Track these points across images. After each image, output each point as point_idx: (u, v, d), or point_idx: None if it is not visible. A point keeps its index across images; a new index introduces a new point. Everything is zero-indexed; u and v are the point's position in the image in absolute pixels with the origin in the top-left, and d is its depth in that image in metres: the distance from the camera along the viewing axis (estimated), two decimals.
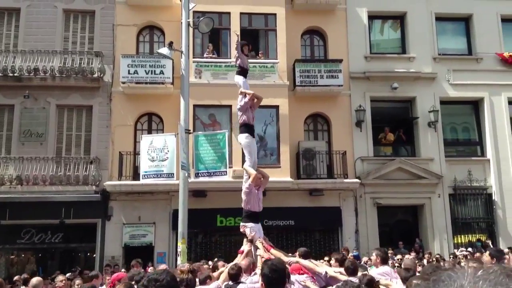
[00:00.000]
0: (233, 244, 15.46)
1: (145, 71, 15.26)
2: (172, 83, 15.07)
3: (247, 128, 8.44)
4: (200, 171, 11.66)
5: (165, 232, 15.06)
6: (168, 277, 2.61)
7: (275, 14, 15.90)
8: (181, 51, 11.45)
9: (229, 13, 15.69)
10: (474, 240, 16.02)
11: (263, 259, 6.77)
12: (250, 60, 15.47)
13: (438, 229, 15.86)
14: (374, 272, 6.35)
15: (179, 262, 10.01)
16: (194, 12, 13.74)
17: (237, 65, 9.08)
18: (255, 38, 16.29)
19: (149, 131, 15.67)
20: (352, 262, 6.19)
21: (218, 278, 6.36)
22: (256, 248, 7.42)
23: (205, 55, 15.52)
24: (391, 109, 17.82)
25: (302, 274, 5.94)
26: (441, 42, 17.57)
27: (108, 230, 15.09)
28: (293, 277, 5.64)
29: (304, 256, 7.03)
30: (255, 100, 8.56)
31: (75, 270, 12.11)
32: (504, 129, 16.84)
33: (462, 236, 16.24)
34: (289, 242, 15.37)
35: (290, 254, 7.42)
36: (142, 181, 12.03)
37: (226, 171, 11.53)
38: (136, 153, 14.79)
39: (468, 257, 11.82)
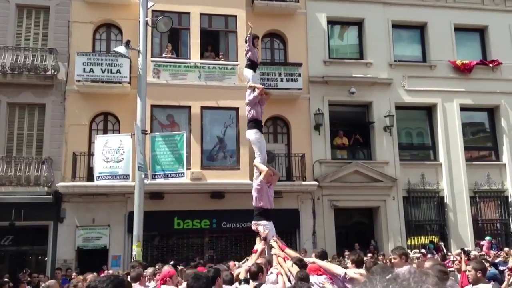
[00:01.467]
0: (190, 247, 15.32)
1: (101, 69, 14.87)
2: (129, 83, 14.76)
3: (255, 123, 8.23)
4: (157, 173, 11.47)
5: (120, 235, 14.70)
6: (110, 285, 2.47)
7: (235, 16, 15.88)
8: (139, 50, 11.25)
9: (189, 13, 15.53)
10: (427, 241, 16.49)
11: (279, 258, 6.71)
12: (210, 61, 15.60)
13: (392, 231, 16.24)
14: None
15: None
16: (153, 11, 13.56)
17: (246, 58, 8.82)
18: (215, 39, 16.22)
19: (105, 131, 15.28)
20: (374, 262, 5.98)
21: (236, 278, 6.23)
22: (271, 247, 7.21)
23: (164, 55, 15.30)
24: (349, 113, 18.13)
25: (321, 275, 5.80)
26: (397, 49, 18.04)
27: (60, 232, 14.58)
28: (311, 278, 5.55)
29: (321, 257, 6.81)
30: (264, 95, 8.33)
31: (25, 272, 11.63)
32: (456, 134, 17.45)
33: (415, 238, 16.69)
34: (248, 244, 15.29)
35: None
36: (96, 182, 11.72)
37: (183, 173, 11.41)
38: (90, 154, 14.39)
39: (420, 258, 12.13)
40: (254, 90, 8.20)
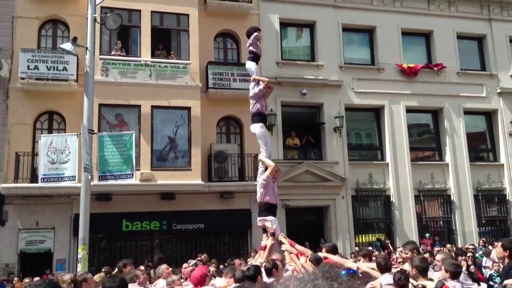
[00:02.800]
0: (139, 250, 15.04)
1: (47, 67, 14.33)
2: (76, 81, 14.31)
3: (261, 117, 8.08)
4: (104, 174, 11.16)
5: (65, 238, 14.23)
6: None
7: (187, 15, 15.73)
8: (86, 47, 10.90)
9: (139, 11, 15.24)
10: (374, 239, 16.98)
11: (291, 255, 6.57)
12: (161, 60, 15.36)
13: (341, 229, 16.62)
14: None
15: (79, 269, 9.51)
16: (102, 7, 13.21)
17: (249, 50, 8.56)
18: (167, 37, 16.00)
19: (50, 131, 14.74)
20: (384, 258, 5.90)
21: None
22: (280, 243, 7.03)
23: (113, 53, 14.93)
24: (301, 114, 18.38)
25: None
26: (347, 52, 18.46)
27: (2, 236, 13.94)
28: None
29: (332, 251, 6.74)
30: (267, 88, 8.16)
31: None
32: (402, 135, 18.06)
33: (363, 235, 17.16)
34: (198, 245, 15.25)
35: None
36: (40, 184, 11.26)
37: (132, 174, 11.15)
38: (34, 154, 13.82)
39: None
40: (258, 83, 8.05)
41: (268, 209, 7.55)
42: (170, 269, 7.85)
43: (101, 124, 14.13)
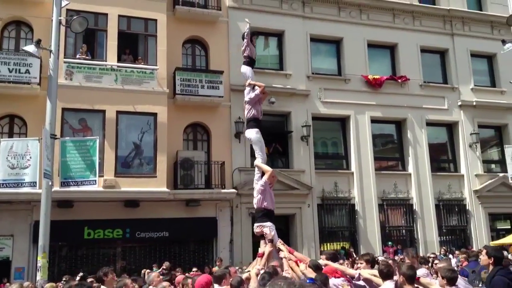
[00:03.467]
0: (101, 258, 14.66)
1: (9, 69, 13.90)
2: (39, 84, 13.91)
3: (256, 122, 7.99)
4: (66, 180, 10.88)
5: (24, 246, 13.72)
6: None
7: (155, 20, 15.58)
8: (50, 50, 10.64)
9: (106, 15, 15.00)
10: (338, 247, 17.16)
11: (290, 262, 6.41)
12: (127, 65, 15.13)
13: (307, 237, 16.72)
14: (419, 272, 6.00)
15: (38, 278, 9.23)
16: (68, 10, 12.95)
17: (245, 54, 8.50)
18: (134, 42, 15.79)
19: (10, 135, 14.25)
20: (387, 265, 5.77)
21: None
22: (278, 250, 6.88)
23: (77, 56, 14.61)
24: (268, 123, 18.32)
25: (338, 277, 5.63)
26: (314, 62, 18.70)
27: None
28: (330, 281, 5.38)
29: (333, 259, 6.64)
30: (262, 93, 8.09)
31: None
32: (367, 145, 18.38)
33: (328, 244, 17.31)
34: (162, 254, 15.02)
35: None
36: None
37: (95, 181, 10.91)
38: None
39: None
40: (253, 88, 7.95)
41: (266, 215, 7.44)
42: (161, 277, 7.67)
43: (64, 129, 13.78)
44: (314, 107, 18.10)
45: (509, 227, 20.06)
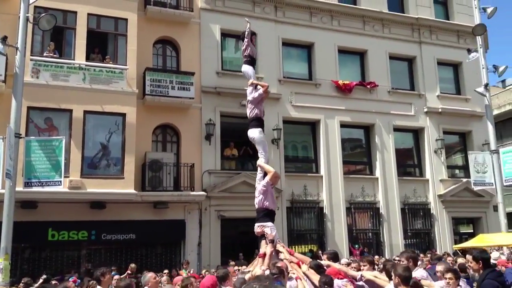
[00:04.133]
0: (65, 260, 14.36)
1: None
2: (4, 81, 13.51)
3: (259, 122, 7.99)
4: (30, 180, 10.67)
5: None
6: None
7: (126, 19, 15.38)
8: (17, 47, 10.43)
9: (75, 12, 14.72)
10: (306, 250, 17.30)
11: (291, 263, 6.33)
12: (96, 64, 14.89)
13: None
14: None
15: (0, 280, 9.02)
16: (36, 7, 12.73)
17: (246, 54, 8.41)
18: (103, 41, 15.55)
19: None
20: (392, 265, 5.77)
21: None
22: (278, 252, 6.84)
23: (45, 54, 14.28)
24: (240, 125, 18.29)
25: (341, 278, 5.63)
26: (286, 66, 18.84)
27: None
28: (334, 282, 5.40)
29: (334, 259, 6.61)
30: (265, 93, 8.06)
31: None
32: (336, 149, 18.62)
33: (297, 246, 17.38)
34: (129, 257, 14.81)
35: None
36: None
37: (61, 181, 10.74)
38: None
39: None
40: (256, 88, 7.93)
41: (267, 215, 7.44)
42: (158, 279, 7.56)
43: (29, 128, 13.43)
44: (285, 110, 18.22)
45: (472, 231, 20.66)
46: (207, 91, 16.99)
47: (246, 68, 8.50)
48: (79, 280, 11.16)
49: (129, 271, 11.95)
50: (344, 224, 17.99)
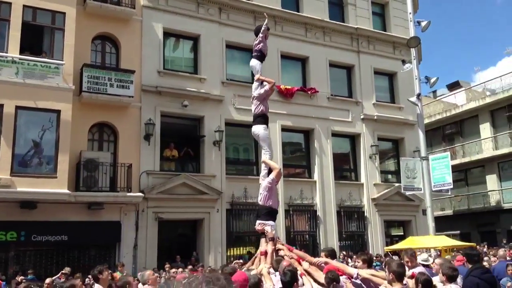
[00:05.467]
0: None
1: None
2: None
3: (264, 118, 7.87)
4: None
5: None
6: None
7: (64, 13, 14.80)
8: None
9: (10, 4, 14.01)
10: (245, 252, 17.39)
11: (292, 260, 6.18)
12: (30, 58, 14.23)
13: (214, 242, 16.75)
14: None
15: None
16: None
17: (256, 48, 8.24)
18: (39, 35, 14.87)
19: None
20: (401, 264, 5.65)
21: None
22: (278, 249, 6.76)
23: None
24: (181, 126, 18.28)
25: (341, 275, 5.54)
26: (229, 68, 18.90)
27: None
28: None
29: (332, 256, 6.54)
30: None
31: None
32: (277, 152, 18.51)
33: (235, 248, 17.50)
34: (60, 259, 14.23)
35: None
36: None
37: None
38: None
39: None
40: (262, 84, 7.85)
41: (270, 213, 7.33)
42: (156, 275, 7.24)
43: None
44: (228, 112, 18.26)
45: (402, 233, 21.66)
46: (148, 90, 16.69)
47: (254, 63, 8.41)
48: (4, 283, 10.61)
49: (63, 271, 11.58)
50: (282, 226, 18.21)
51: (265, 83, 8.06)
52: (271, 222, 7.21)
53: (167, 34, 17.77)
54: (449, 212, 28.79)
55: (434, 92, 35.56)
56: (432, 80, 16.02)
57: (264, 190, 7.36)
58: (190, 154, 17.70)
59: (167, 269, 12.99)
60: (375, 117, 21.40)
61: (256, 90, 8.05)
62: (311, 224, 19.23)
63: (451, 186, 15.84)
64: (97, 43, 16.56)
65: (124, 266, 13.47)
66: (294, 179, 19.62)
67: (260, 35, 8.46)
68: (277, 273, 5.82)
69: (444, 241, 14.46)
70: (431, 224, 15.11)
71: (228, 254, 17.14)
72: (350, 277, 5.73)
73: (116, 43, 16.73)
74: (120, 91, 15.67)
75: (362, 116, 21.24)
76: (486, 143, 27.21)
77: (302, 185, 19.39)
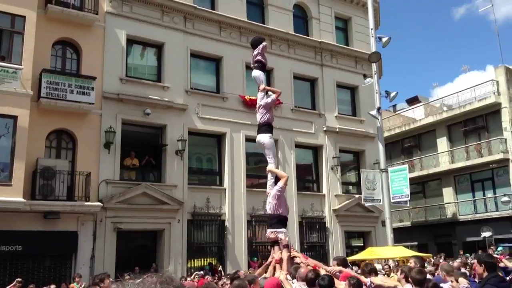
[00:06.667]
0: None
1: None
2: None
3: (270, 127, 8.03)
4: None
5: None
6: None
7: (24, 17, 14.40)
8: None
9: None
10: (205, 263, 17.22)
11: (308, 267, 6.16)
12: None
13: (174, 253, 16.50)
14: None
15: None
16: None
17: (257, 59, 8.35)
18: None
19: None
20: (409, 269, 5.77)
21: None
22: (293, 257, 6.82)
23: None
24: (142, 134, 18.04)
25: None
26: (194, 77, 18.82)
27: None
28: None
29: (343, 264, 6.69)
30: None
31: None
32: (240, 162, 18.90)
33: (196, 260, 17.29)
34: (14, 269, 13.67)
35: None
36: None
37: None
38: None
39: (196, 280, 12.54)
40: (267, 93, 7.96)
41: (281, 221, 7.42)
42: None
43: None
44: (191, 122, 18.15)
45: (362, 244, 22.00)
46: (109, 97, 16.40)
47: (257, 74, 8.52)
48: None
49: (18, 279, 11.17)
50: (244, 237, 18.21)
51: (270, 92, 8.31)
52: (283, 230, 7.36)
53: (130, 41, 17.56)
54: (407, 223, 29.50)
55: (394, 106, 36.56)
56: (392, 95, 16.50)
57: (273, 199, 7.50)
58: (152, 163, 17.44)
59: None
60: (337, 130, 21.76)
61: (263, 100, 8.23)
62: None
63: (409, 198, 16.28)
64: (58, 48, 16.17)
65: (81, 278, 13.08)
66: (258, 189, 19.49)
67: (260, 46, 8.70)
68: (295, 280, 5.95)
69: (402, 252, 14.79)
70: (389, 235, 15.45)
71: (189, 265, 16.92)
72: (364, 284, 5.92)
73: (78, 49, 16.39)
74: (80, 98, 15.32)
75: (324, 128, 21.55)
76: (443, 156, 28.13)
77: (265, 196, 19.01)
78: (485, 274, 5.78)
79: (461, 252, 22.13)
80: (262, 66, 8.61)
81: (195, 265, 17.10)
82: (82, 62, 16.24)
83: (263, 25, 20.82)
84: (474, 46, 74.99)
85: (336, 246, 20.49)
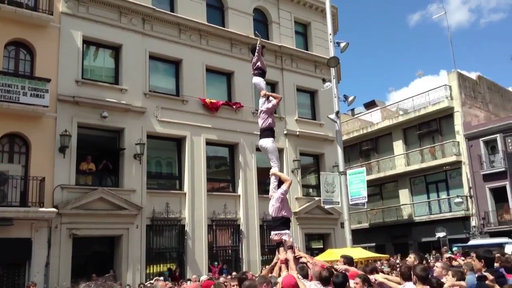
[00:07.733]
0: None
1: None
2: None
3: (272, 132, 8.24)
4: None
5: None
6: None
7: None
8: None
9: None
10: (165, 269, 16.97)
11: (316, 267, 6.23)
12: None
13: (133, 259, 16.16)
14: None
15: None
16: None
17: (256, 67, 8.53)
18: None
19: None
20: (409, 268, 5.79)
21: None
22: (299, 256, 7.00)
23: None
24: (99, 138, 17.60)
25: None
26: (152, 80, 18.54)
27: None
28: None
29: (350, 263, 6.98)
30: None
31: None
32: (201, 166, 18.74)
33: (155, 265, 17.00)
34: None
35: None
36: None
37: None
38: None
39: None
40: (268, 99, 8.16)
41: (284, 223, 7.57)
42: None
43: None
44: (150, 125, 17.86)
45: (322, 246, 22.28)
46: (64, 99, 15.92)
47: (258, 80, 8.70)
48: None
49: None
50: (205, 241, 18.06)
51: (271, 98, 8.47)
52: (287, 231, 7.56)
53: (87, 42, 17.13)
54: (365, 225, 30.15)
55: (352, 110, 37.31)
56: (350, 99, 16.80)
57: (277, 201, 7.63)
58: (109, 168, 17.03)
59: None
60: (298, 133, 21.98)
61: (264, 105, 8.40)
62: (234, 239, 19.21)
63: (366, 200, 16.60)
64: (11, 49, 15.58)
65: (36, 286, 12.61)
66: (218, 193, 19.56)
67: (256, 54, 8.88)
68: (303, 280, 6.19)
69: (360, 253, 15.06)
70: (348, 236, 15.68)
71: (148, 271, 16.63)
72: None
73: (32, 50, 15.83)
74: (34, 100, 14.80)
75: (285, 132, 21.71)
76: (399, 159, 28.96)
77: (226, 200, 19.36)
78: (484, 269, 5.97)
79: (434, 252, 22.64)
80: (262, 72, 8.89)
81: (154, 270, 16.83)
82: (36, 63, 15.70)
83: (223, 28, 20.79)
84: (428, 51, 77.85)
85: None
